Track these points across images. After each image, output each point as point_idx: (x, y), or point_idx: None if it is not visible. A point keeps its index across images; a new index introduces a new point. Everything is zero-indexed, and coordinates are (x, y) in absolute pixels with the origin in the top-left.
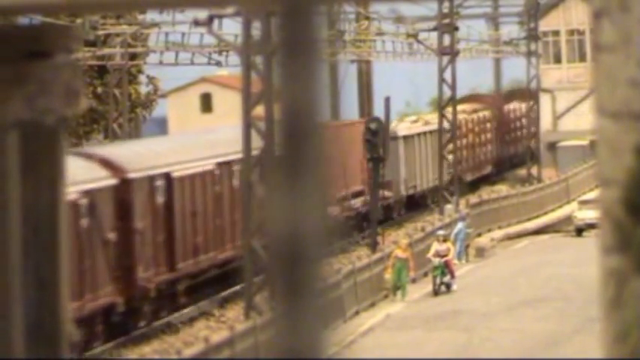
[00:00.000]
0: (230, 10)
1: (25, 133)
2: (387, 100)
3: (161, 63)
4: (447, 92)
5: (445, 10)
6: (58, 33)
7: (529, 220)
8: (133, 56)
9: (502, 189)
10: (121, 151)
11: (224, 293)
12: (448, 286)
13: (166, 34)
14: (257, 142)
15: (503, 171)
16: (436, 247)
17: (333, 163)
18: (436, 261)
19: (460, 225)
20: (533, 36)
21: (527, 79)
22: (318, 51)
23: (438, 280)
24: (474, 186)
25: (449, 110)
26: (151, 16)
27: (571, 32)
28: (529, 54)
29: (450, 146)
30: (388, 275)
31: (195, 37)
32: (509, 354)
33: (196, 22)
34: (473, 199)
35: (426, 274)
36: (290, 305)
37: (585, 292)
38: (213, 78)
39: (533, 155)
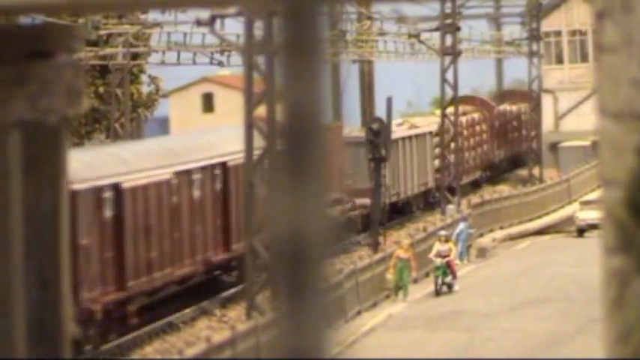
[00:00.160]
0: (232, 10)
1: (28, 133)
2: (389, 100)
3: (163, 63)
4: (449, 92)
5: (447, 11)
6: (60, 33)
7: (531, 220)
8: (135, 56)
9: (504, 189)
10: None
11: (225, 293)
12: (450, 286)
13: (168, 33)
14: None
15: (495, 176)
16: (438, 247)
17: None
18: (438, 261)
19: (462, 225)
20: (535, 36)
21: (529, 79)
22: (321, 51)
23: (439, 281)
24: (464, 192)
25: (439, 112)
26: (153, 15)
27: (573, 33)
28: (531, 54)
29: (438, 150)
30: (390, 275)
31: (197, 37)
32: (510, 354)
33: (198, 22)
34: (475, 199)
35: (427, 275)
36: (293, 305)
37: (587, 292)
38: (214, 78)
39: (534, 156)
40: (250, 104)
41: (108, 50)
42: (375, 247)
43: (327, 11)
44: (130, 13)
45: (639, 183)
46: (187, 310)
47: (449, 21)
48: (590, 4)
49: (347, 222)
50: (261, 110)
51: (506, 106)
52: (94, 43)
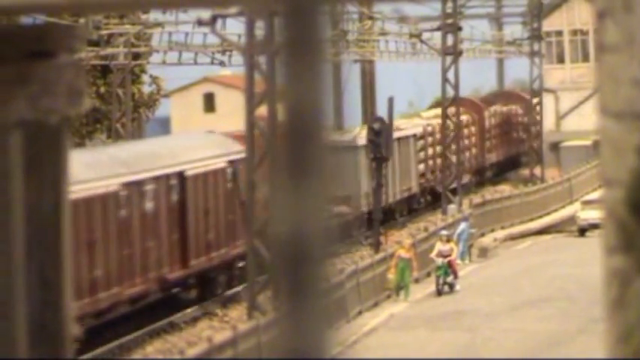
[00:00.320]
0: (233, 10)
1: (28, 133)
2: (391, 100)
3: (164, 63)
4: (451, 92)
5: (448, 10)
6: (62, 33)
7: (532, 220)
8: (136, 56)
9: (505, 189)
10: None
11: (227, 293)
12: (451, 286)
13: (170, 33)
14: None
15: (484, 181)
16: (439, 247)
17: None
18: (439, 261)
19: (463, 225)
20: (536, 36)
21: (530, 79)
22: (322, 51)
23: (441, 280)
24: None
25: (425, 115)
26: (155, 15)
27: (574, 32)
28: (532, 54)
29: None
30: (391, 275)
31: (198, 37)
32: (512, 354)
33: (200, 22)
34: (476, 199)
35: (429, 274)
36: (294, 305)
37: (589, 292)
38: (216, 78)
39: (535, 156)
40: (251, 104)
41: (109, 50)
42: (377, 246)
43: (329, 11)
44: (131, 13)
45: None
46: (189, 310)
47: (450, 21)
48: (591, 4)
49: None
50: (262, 110)
51: (497, 108)
52: (96, 43)
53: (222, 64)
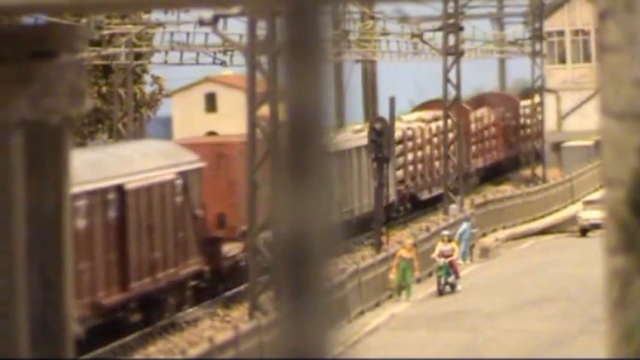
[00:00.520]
0: (235, 10)
1: (30, 133)
2: (392, 100)
3: (166, 63)
4: (452, 92)
5: (450, 10)
6: (63, 33)
7: (534, 220)
8: (138, 56)
9: (507, 189)
10: None
11: (228, 293)
12: (453, 286)
13: (171, 33)
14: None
15: (470, 188)
16: (441, 247)
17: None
18: (441, 261)
19: (465, 225)
20: (537, 36)
21: (531, 79)
22: (324, 51)
23: (442, 281)
24: (433, 205)
25: (407, 118)
26: (156, 15)
27: (576, 32)
28: (534, 54)
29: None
30: (393, 275)
31: (200, 37)
32: (513, 354)
33: (201, 22)
34: (477, 199)
35: (430, 274)
36: (296, 305)
37: (590, 292)
38: (217, 78)
39: (536, 156)
40: (253, 104)
41: (111, 50)
42: (378, 246)
43: (330, 11)
44: (132, 13)
45: None
46: (190, 310)
47: (452, 21)
48: (592, 4)
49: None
50: (264, 110)
51: (483, 111)
52: (97, 43)
53: (223, 64)
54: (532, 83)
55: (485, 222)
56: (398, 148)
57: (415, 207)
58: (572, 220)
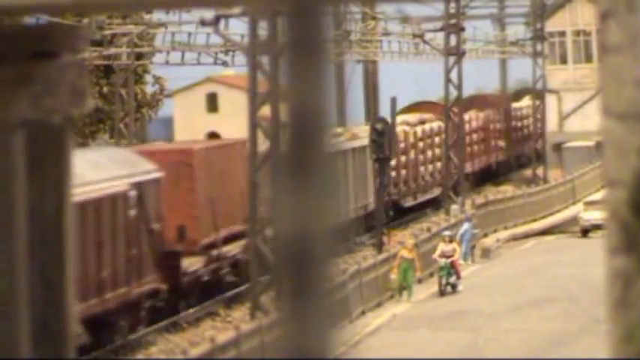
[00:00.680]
0: (237, 10)
1: (32, 133)
2: (393, 100)
3: (167, 63)
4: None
5: (451, 11)
6: (65, 33)
7: (535, 220)
8: (139, 56)
9: (508, 189)
10: None
11: (229, 293)
12: (454, 286)
13: (173, 33)
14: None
15: (457, 194)
16: (442, 247)
17: (194, 198)
18: (442, 261)
19: (466, 225)
20: (539, 36)
21: (533, 79)
22: (325, 51)
23: (443, 281)
24: (417, 212)
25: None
26: (158, 15)
27: (577, 33)
28: (535, 54)
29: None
30: (394, 275)
31: (201, 37)
32: (514, 354)
33: (203, 22)
34: (479, 199)
35: (431, 275)
36: (297, 305)
37: (591, 292)
38: (219, 78)
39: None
40: (254, 104)
41: (112, 50)
42: (379, 247)
43: (332, 11)
44: (134, 13)
45: None
46: (191, 311)
47: (453, 21)
48: (594, 5)
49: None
50: (265, 110)
51: (472, 114)
52: (99, 43)
53: (225, 64)
54: (533, 84)
55: (486, 222)
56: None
57: (398, 215)
58: (574, 220)
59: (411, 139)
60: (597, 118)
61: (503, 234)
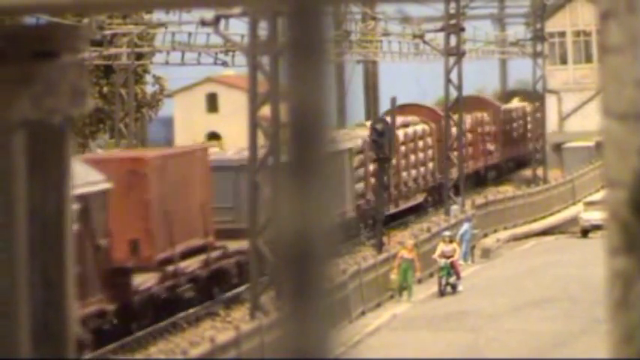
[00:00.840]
0: (237, 10)
1: (32, 133)
2: (393, 100)
3: (167, 63)
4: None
5: (451, 11)
6: (65, 33)
7: (535, 221)
8: (140, 56)
9: (508, 190)
10: None
11: (229, 294)
12: (454, 286)
13: (173, 34)
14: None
15: (442, 201)
16: (442, 247)
17: (149, 210)
18: (442, 262)
19: (466, 226)
20: (539, 37)
21: (533, 80)
22: (325, 51)
23: (443, 281)
24: (401, 220)
25: (369, 124)
26: (158, 16)
27: (577, 33)
28: (535, 55)
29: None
30: (394, 276)
31: (201, 37)
32: (515, 354)
33: (203, 22)
34: (479, 199)
35: (431, 275)
36: (297, 305)
37: (591, 293)
38: (219, 78)
39: (538, 157)
40: (254, 104)
41: (112, 50)
42: (380, 247)
43: (332, 11)
44: (134, 13)
45: None
46: (191, 311)
47: (453, 21)
48: (594, 5)
49: (217, 275)
50: (265, 110)
51: (457, 117)
52: (99, 43)
53: (225, 64)
54: (533, 84)
55: (486, 223)
56: (357, 159)
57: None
58: (574, 221)
59: (395, 144)
60: (597, 119)
61: (503, 234)
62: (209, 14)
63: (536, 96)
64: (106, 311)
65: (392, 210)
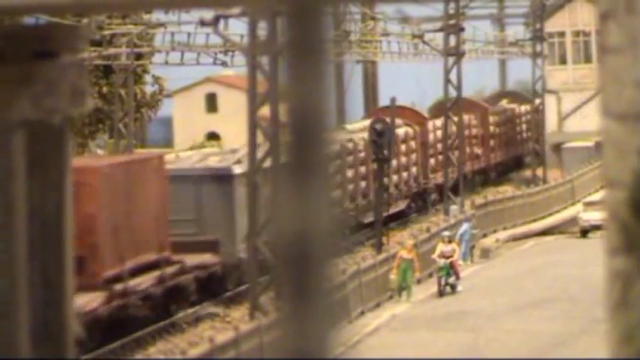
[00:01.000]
0: (236, 10)
1: (32, 133)
2: (393, 100)
3: (167, 63)
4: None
5: (451, 11)
6: (64, 33)
7: (534, 221)
8: (139, 56)
9: (507, 190)
10: None
11: (229, 294)
12: (453, 286)
13: (172, 34)
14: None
15: (427, 207)
16: (441, 247)
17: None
18: (441, 262)
19: (465, 226)
20: (538, 37)
21: (532, 80)
22: (325, 51)
23: (443, 281)
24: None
25: (351, 127)
26: (157, 16)
27: (577, 33)
28: (534, 55)
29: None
30: (393, 276)
31: (201, 37)
32: (515, 354)
33: (202, 23)
34: (478, 199)
35: (431, 275)
36: (297, 305)
37: (591, 293)
38: (218, 78)
39: (537, 157)
40: (254, 104)
41: (112, 50)
42: (379, 247)
43: (331, 11)
44: (133, 13)
45: None
46: (190, 311)
47: (452, 21)
48: (594, 5)
49: (174, 292)
50: (264, 110)
51: (443, 120)
52: (98, 43)
53: (224, 64)
54: (532, 84)
55: (485, 223)
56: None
57: (357, 231)
58: (573, 221)
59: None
60: (597, 119)
61: (503, 234)
62: (208, 14)
63: (524, 98)
64: None
65: (370, 218)
